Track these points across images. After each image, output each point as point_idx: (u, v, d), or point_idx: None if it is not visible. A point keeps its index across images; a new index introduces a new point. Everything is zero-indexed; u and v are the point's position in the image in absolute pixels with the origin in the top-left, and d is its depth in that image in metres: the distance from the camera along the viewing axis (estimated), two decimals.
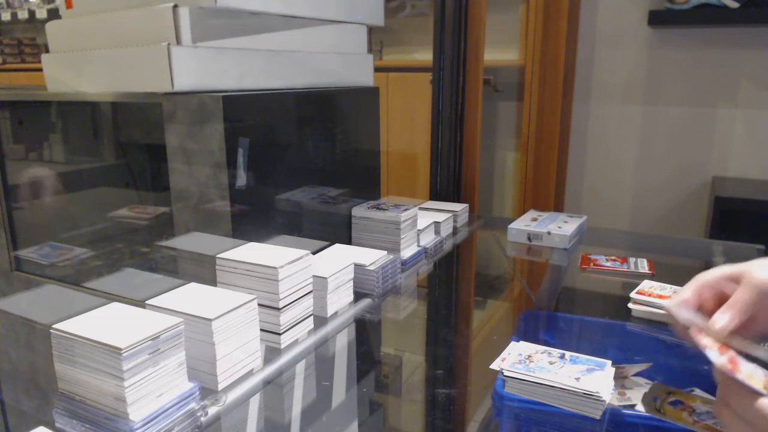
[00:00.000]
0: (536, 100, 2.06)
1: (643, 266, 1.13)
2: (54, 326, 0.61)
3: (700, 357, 0.50)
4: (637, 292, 0.96)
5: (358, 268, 0.96)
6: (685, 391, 0.70)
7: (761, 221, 1.75)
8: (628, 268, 1.13)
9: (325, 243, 1.05)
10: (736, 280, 0.54)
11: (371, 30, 2.40)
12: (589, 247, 1.29)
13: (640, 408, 0.68)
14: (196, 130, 0.83)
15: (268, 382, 0.74)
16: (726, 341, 0.51)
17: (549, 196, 2.12)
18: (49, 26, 0.99)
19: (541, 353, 0.74)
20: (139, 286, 0.98)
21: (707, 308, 0.55)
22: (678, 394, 0.69)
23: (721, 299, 0.55)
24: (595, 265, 1.16)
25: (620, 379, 0.73)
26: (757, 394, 0.44)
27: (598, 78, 2.15)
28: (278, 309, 0.78)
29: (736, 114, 1.98)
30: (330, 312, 0.89)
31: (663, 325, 0.91)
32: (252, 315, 0.73)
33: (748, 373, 0.46)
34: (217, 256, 0.82)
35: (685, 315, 0.54)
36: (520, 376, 0.69)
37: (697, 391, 0.70)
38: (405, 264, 1.10)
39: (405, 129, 2.27)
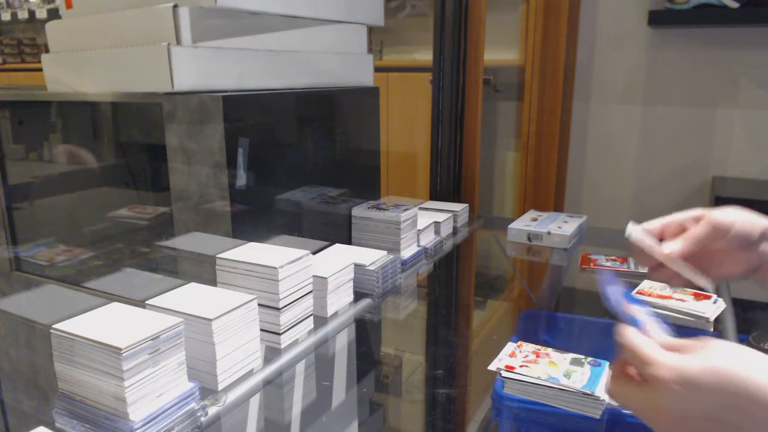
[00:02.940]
0: (536, 100, 2.06)
1: (643, 266, 1.13)
2: (54, 326, 0.61)
3: None
4: (637, 292, 0.96)
5: (358, 268, 0.96)
6: None
7: None
8: (628, 268, 1.13)
9: (325, 243, 1.05)
10: (698, 219, 0.59)
11: (371, 30, 2.40)
12: (589, 247, 1.29)
13: None
14: (196, 130, 0.83)
15: (268, 382, 0.74)
16: (674, 266, 0.58)
17: (549, 196, 2.12)
18: (49, 26, 0.99)
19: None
20: (139, 286, 0.98)
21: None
22: None
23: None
24: (595, 265, 1.16)
25: None
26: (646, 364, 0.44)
27: (598, 78, 2.15)
28: (278, 309, 0.78)
29: (736, 114, 1.98)
30: (330, 312, 0.89)
31: None
32: (252, 315, 0.73)
33: (645, 320, 0.48)
34: (217, 256, 0.82)
35: (644, 240, 0.60)
36: (519, 377, 0.69)
37: None
38: (405, 264, 1.10)
39: (405, 129, 2.27)
